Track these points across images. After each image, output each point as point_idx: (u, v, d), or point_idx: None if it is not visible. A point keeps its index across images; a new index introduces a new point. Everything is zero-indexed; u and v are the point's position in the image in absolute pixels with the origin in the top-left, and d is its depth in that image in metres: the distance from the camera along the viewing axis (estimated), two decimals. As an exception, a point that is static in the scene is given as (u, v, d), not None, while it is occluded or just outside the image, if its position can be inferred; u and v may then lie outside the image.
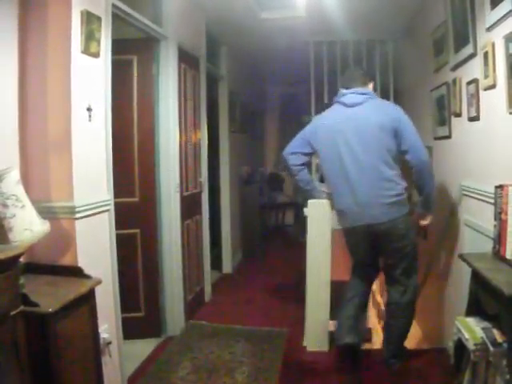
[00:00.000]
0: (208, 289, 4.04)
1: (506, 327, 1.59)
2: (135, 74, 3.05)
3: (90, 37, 2.09)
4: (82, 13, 2.03)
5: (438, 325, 2.95)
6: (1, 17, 1.89)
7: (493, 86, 2.08)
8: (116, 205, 2.40)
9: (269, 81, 7.09)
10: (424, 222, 2.60)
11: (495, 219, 1.86)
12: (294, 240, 6.07)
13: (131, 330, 2.73)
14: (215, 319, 3.49)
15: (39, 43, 2.00)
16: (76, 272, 1.97)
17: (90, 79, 2.15)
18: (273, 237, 6.65)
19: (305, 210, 2.90)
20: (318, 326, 2.91)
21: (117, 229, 2.41)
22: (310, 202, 2.84)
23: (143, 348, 2.97)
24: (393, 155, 2.42)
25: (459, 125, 2.65)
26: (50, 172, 2.04)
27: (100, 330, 2.06)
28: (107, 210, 2.31)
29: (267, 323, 3.42)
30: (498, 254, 1.82)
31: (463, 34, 2.45)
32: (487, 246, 1.97)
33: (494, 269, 1.71)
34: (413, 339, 2.87)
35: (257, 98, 6.92)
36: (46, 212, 1.90)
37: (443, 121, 2.93)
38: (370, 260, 2.69)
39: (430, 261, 3.00)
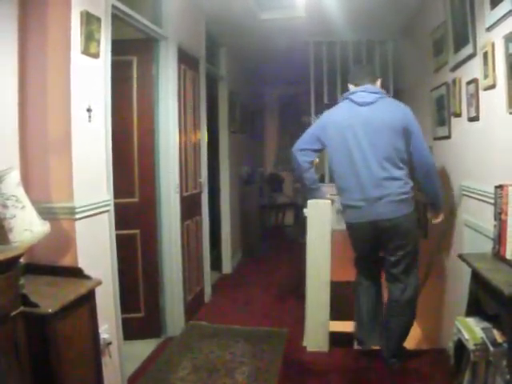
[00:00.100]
0: (208, 289, 4.04)
1: (506, 327, 1.58)
2: (135, 74, 3.05)
3: (89, 37, 2.09)
4: (81, 13, 2.03)
5: (437, 325, 2.95)
6: (1, 17, 1.89)
7: (492, 86, 2.08)
8: (116, 205, 2.40)
9: (268, 81, 7.10)
10: (437, 220, 2.67)
11: (495, 219, 1.86)
12: (293, 240, 6.07)
13: (131, 330, 2.73)
14: (215, 319, 3.49)
15: (39, 44, 2.00)
16: (76, 273, 1.97)
17: (89, 80, 2.15)
18: (272, 237, 6.65)
19: (304, 210, 2.90)
20: (318, 326, 2.91)
21: (117, 229, 2.41)
22: (309, 202, 2.84)
23: (143, 348, 2.96)
24: (401, 155, 2.47)
25: (459, 125, 2.65)
26: (50, 173, 2.04)
27: (100, 331, 2.06)
28: (107, 211, 2.31)
29: (267, 323, 3.42)
30: (497, 255, 1.82)
31: (463, 34, 2.45)
32: (487, 246, 1.97)
33: (493, 269, 1.71)
34: (413, 339, 2.87)
35: (256, 99, 6.93)
36: (45, 213, 1.90)
37: (443, 121, 2.93)
38: (373, 256, 2.70)
39: (430, 261, 3.00)
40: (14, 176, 1.73)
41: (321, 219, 2.84)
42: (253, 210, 5.68)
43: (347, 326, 2.98)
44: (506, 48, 1.90)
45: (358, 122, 2.48)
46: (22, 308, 1.49)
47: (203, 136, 3.97)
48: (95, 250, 2.21)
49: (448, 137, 2.85)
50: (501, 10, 1.92)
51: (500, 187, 1.82)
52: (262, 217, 6.29)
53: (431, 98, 3.15)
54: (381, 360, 2.65)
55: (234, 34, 4.42)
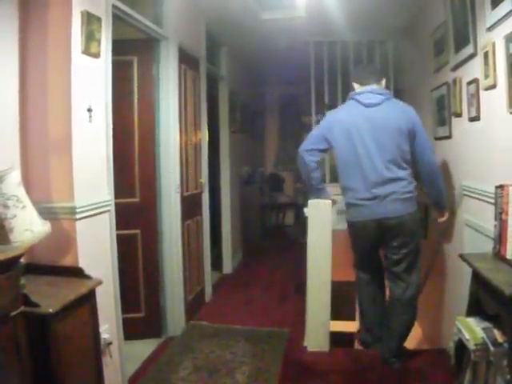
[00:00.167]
0: (208, 289, 4.04)
1: (507, 327, 1.58)
2: (135, 74, 3.06)
3: (90, 37, 2.09)
4: (82, 13, 2.03)
5: (438, 325, 2.95)
6: (1, 17, 1.89)
7: (493, 86, 2.08)
8: (116, 205, 2.40)
9: (269, 81, 7.10)
10: (442, 219, 2.69)
11: (496, 219, 1.86)
12: (294, 240, 6.07)
13: (132, 330, 2.73)
14: (216, 319, 3.49)
15: (39, 44, 2.00)
16: (76, 272, 1.97)
17: (90, 80, 2.16)
18: (273, 237, 6.65)
19: (305, 210, 2.90)
20: (318, 326, 2.90)
21: (117, 229, 2.41)
22: (310, 202, 2.84)
23: (144, 348, 2.96)
24: (406, 156, 2.50)
25: (459, 125, 2.65)
26: (51, 173, 2.04)
27: (100, 331, 2.06)
28: (108, 211, 2.31)
29: (268, 323, 3.42)
30: (498, 254, 1.82)
31: (463, 34, 2.45)
32: (487, 246, 1.97)
33: (494, 269, 1.71)
34: (413, 339, 2.87)
35: (257, 98, 6.93)
36: (46, 213, 1.91)
37: (443, 121, 2.93)
38: (373, 256, 2.70)
39: (431, 261, 3.00)
40: (15, 176, 1.73)
41: (321, 219, 2.84)
42: (253, 210, 5.69)
43: (348, 326, 2.98)
44: (507, 48, 1.90)
45: (363, 124, 2.50)
46: (22, 308, 1.49)
47: (204, 136, 3.97)
48: (96, 250, 2.21)
49: (449, 137, 2.85)
50: (501, 9, 1.92)
51: (501, 187, 1.82)
52: (262, 217, 6.30)
53: (432, 98, 3.15)
54: (381, 360, 2.65)
55: (234, 33, 4.42)
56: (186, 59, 3.48)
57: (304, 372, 2.68)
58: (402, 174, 2.47)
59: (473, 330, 1.71)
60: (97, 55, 2.18)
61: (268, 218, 7.08)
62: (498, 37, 1.99)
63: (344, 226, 2.74)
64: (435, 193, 2.62)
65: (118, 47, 2.44)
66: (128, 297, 2.69)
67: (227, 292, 4.29)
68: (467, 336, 1.71)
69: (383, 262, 2.71)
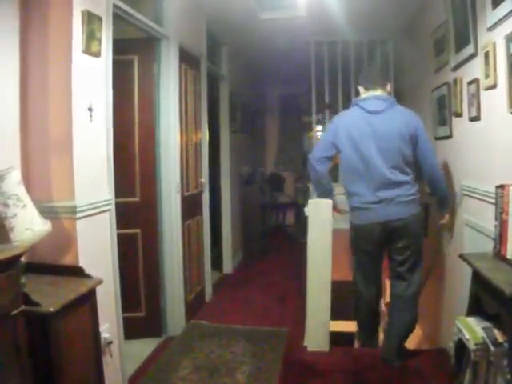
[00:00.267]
0: (209, 289, 4.04)
1: (507, 327, 1.58)
2: (136, 73, 3.05)
3: (90, 36, 2.09)
4: (82, 13, 2.03)
5: (438, 325, 2.95)
6: (2, 17, 1.89)
7: (494, 86, 2.08)
8: (117, 205, 2.41)
9: (269, 81, 7.10)
10: (444, 221, 2.73)
11: (496, 219, 1.86)
12: (294, 240, 6.07)
13: (132, 329, 2.73)
14: (216, 319, 3.49)
15: (40, 43, 2.00)
16: (77, 272, 1.97)
17: (90, 79, 2.16)
18: (273, 237, 6.65)
19: (305, 209, 2.90)
20: (318, 325, 2.90)
21: (117, 228, 2.41)
22: (310, 201, 2.84)
23: (144, 348, 2.97)
24: (409, 160, 2.53)
25: (460, 125, 2.65)
26: (51, 172, 2.04)
27: (101, 330, 2.06)
28: (108, 210, 2.31)
29: (268, 323, 3.42)
30: (498, 254, 1.82)
31: (464, 34, 2.45)
32: (488, 246, 1.97)
33: (494, 269, 1.71)
34: (413, 339, 2.87)
35: (257, 98, 6.92)
36: (47, 212, 1.91)
37: (444, 121, 2.93)
38: (374, 261, 2.69)
39: (431, 261, 3.00)
40: (15, 175, 1.73)
41: (322, 219, 2.84)
42: (253, 210, 5.68)
43: (348, 326, 2.98)
44: (508, 48, 1.90)
45: (367, 131, 2.51)
46: (23, 307, 1.49)
47: (204, 135, 3.97)
48: (96, 249, 2.21)
49: (449, 136, 2.85)
50: (502, 9, 1.92)
51: (501, 187, 1.82)
52: (262, 216, 6.29)
53: (432, 98, 3.15)
54: (381, 360, 2.65)
55: (235, 33, 4.42)
56: (187, 58, 3.48)
57: (304, 372, 2.68)
58: (405, 178, 2.51)
59: (473, 330, 1.71)
60: (97, 54, 2.18)
61: (268, 218, 7.08)
62: (499, 37, 1.99)
63: (344, 225, 2.74)
64: (439, 193, 2.66)
65: (119, 46, 2.44)
66: (128, 296, 2.69)
67: (227, 292, 4.29)
68: (467, 336, 1.71)
69: (388, 263, 2.71)
